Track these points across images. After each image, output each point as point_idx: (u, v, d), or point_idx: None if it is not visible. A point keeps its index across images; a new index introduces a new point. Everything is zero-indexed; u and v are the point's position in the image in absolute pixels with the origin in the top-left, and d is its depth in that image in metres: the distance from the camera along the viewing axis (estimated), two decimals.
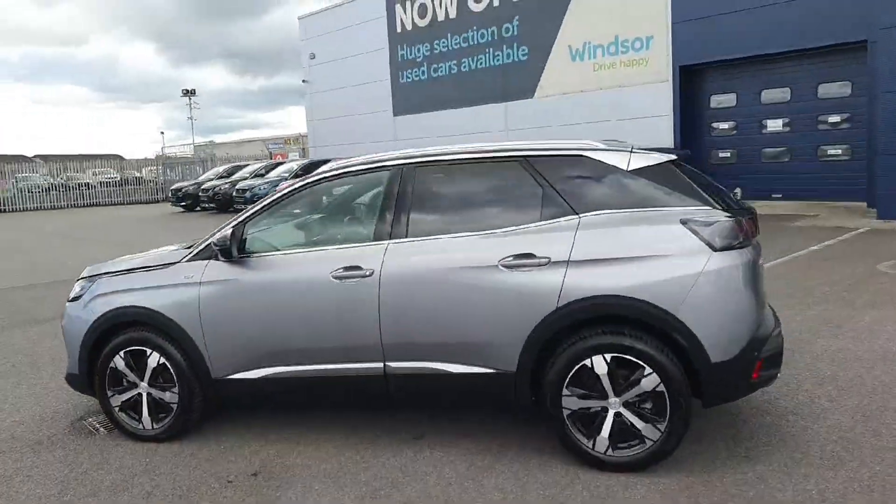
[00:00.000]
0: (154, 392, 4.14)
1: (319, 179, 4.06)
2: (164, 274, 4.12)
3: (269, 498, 3.41)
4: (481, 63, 21.65)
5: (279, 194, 4.10)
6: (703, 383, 3.38)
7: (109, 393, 4.23)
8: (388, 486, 3.45)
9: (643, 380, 3.39)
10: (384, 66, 24.58)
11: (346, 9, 25.75)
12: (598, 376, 3.43)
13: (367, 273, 3.70)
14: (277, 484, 3.55)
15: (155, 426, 4.16)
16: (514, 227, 3.59)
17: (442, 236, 3.71)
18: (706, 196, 3.52)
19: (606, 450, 3.47)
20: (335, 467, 3.70)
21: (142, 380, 4.15)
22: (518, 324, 3.48)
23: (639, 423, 3.43)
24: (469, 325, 3.58)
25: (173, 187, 27.70)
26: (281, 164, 26.31)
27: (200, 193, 24.82)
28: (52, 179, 34.66)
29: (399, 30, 23.94)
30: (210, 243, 3.99)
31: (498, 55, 21.13)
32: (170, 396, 4.11)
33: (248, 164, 28.17)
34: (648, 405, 3.41)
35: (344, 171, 4.05)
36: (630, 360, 3.38)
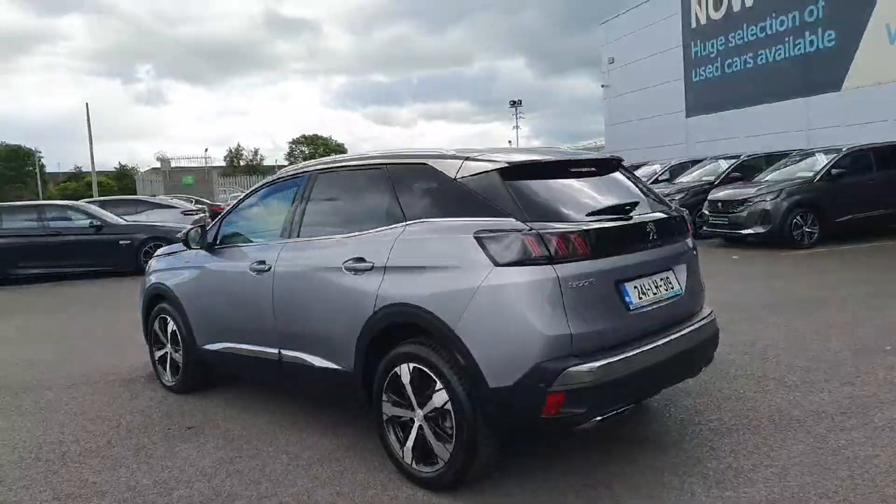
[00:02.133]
0: (172, 352, 5.17)
1: (262, 185, 4.64)
2: (176, 258, 5.12)
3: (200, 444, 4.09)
4: (779, 54, 19.25)
5: (242, 196, 4.78)
6: (482, 408, 3.08)
7: (154, 349, 5.41)
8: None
9: (434, 395, 3.23)
10: (678, 65, 23.37)
11: (643, 9, 25.10)
12: (403, 385, 3.37)
13: (267, 268, 4.16)
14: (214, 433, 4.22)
15: (171, 379, 5.20)
16: (361, 233, 3.69)
17: (317, 238, 3.97)
18: (516, 207, 3.14)
19: (412, 462, 3.38)
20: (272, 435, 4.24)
21: (166, 341, 5.21)
22: (352, 324, 3.58)
23: (433, 441, 3.27)
24: (325, 321, 3.79)
25: None
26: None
27: None
28: None
29: (693, 25, 22.54)
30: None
31: (799, 43, 18.57)
32: (179, 357, 5.09)
33: None
34: (444, 422, 3.23)
35: (276, 177, 4.55)
36: (427, 373, 3.25)
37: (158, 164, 43.72)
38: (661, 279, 3.49)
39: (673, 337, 3.38)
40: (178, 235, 4.91)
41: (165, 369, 5.26)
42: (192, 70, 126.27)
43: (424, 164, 3.54)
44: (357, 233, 3.71)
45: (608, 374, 3.01)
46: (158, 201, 17.98)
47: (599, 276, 3.11)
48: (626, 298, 3.23)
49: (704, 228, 12.69)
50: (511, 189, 3.21)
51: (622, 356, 3.08)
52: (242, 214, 4.78)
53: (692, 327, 3.55)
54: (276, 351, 4.16)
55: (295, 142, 79.86)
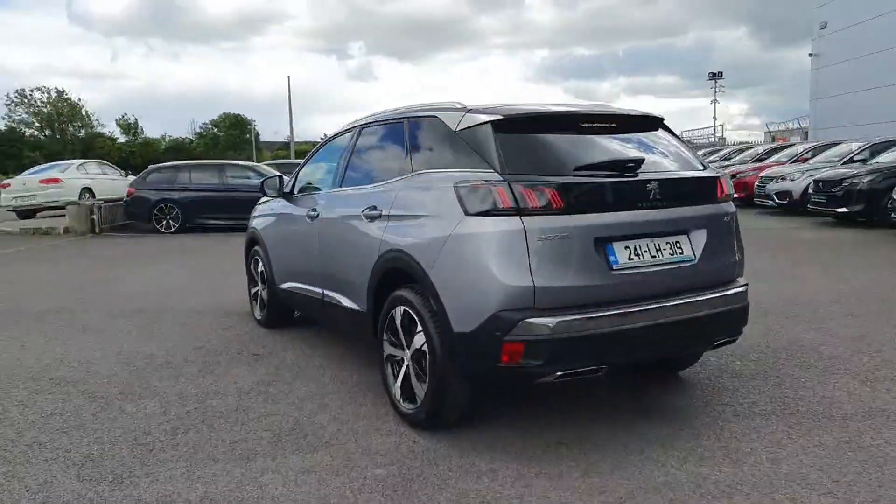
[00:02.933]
0: (261, 290, 5.76)
1: (328, 138, 4.97)
2: (267, 206, 5.67)
3: (253, 368, 4.62)
4: None
5: (315, 149, 5.16)
6: (450, 352, 3.16)
7: (250, 287, 6.05)
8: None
9: (415, 336, 3.37)
10: None
11: None
12: (396, 327, 3.54)
13: (316, 215, 4.51)
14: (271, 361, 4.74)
15: (259, 314, 5.81)
16: (382, 182, 3.88)
17: (352, 187, 4.23)
18: (498, 160, 3.12)
19: (399, 398, 3.55)
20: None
21: (258, 280, 5.81)
22: (365, 267, 3.81)
23: (414, 380, 3.42)
24: (349, 265, 4.07)
25: None
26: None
27: None
28: None
29: None
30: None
31: None
32: (264, 294, 5.66)
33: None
34: (423, 363, 3.35)
35: (337, 132, 4.85)
36: (413, 315, 3.39)
37: None
38: (668, 242, 3.29)
39: (669, 304, 3.19)
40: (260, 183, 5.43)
41: (256, 305, 5.88)
42: (399, 46, 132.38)
43: (434, 116, 3.64)
44: (378, 182, 3.92)
45: (568, 330, 2.95)
46: None
47: (575, 232, 3.03)
48: (611, 258, 3.12)
49: (894, 216, 11.02)
50: (499, 142, 3.21)
51: (587, 315, 2.99)
52: (312, 165, 5.18)
53: (703, 297, 3.31)
54: (320, 291, 4.51)
55: None
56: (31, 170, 18.66)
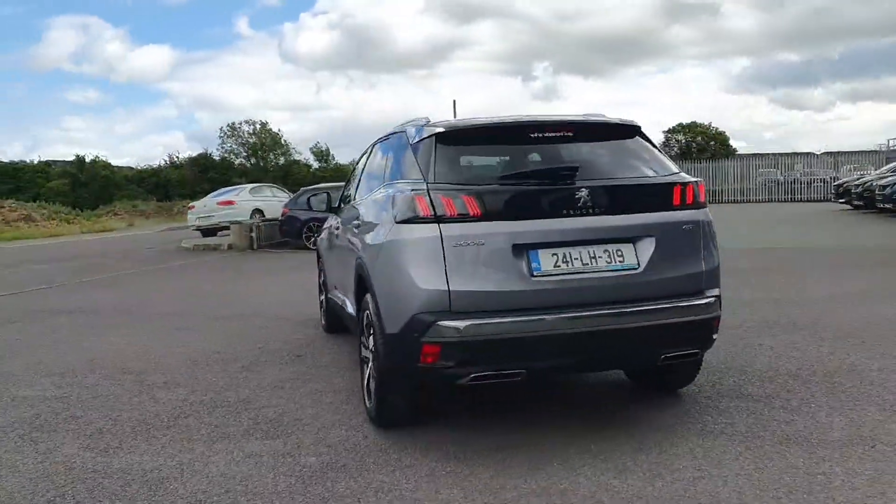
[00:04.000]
0: (322, 298, 6.28)
1: (361, 154, 5.35)
2: (329, 220, 6.19)
3: (286, 368, 5.14)
4: None
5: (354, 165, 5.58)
6: (385, 352, 3.34)
7: (319, 295, 6.60)
8: None
9: (369, 339, 3.60)
10: None
11: None
12: (363, 329, 3.80)
13: (338, 227, 4.92)
14: (306, 362, 5.22)
15: (322, 321, 6.33)
16: (368, 194, 4.18)
17: (358, 199, 4.57)
18: (430, 170, 3.29)
19: (365, 397, 3.80)
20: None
21: (321, 288, 6.34)
22: (351, 273, 4.12)
23: (370, 379, 3.65)
24: (345, 272, 4.40)
25: (836, 182, 26.08)
26: None
27: (853, 189, 22.74)
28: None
29: None
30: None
31: None
32: (323, 302, 6.17)
33: None
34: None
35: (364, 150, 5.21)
36: (371, 319, 3.63)
37: None
38: (607, 251, 3.24)
39: (601, 312, 3.14)
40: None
41: (322, 313, 6.41)
42: (585, 64, 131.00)
43: (403, 130, 3.87)
44: (367, 195, 4.22)
45: (478, 334, 3.03)
46: None
47: (492, 239, 3.11)
48: (534, 264, 3.14)
49: None
50: (438, 153, 3.38)
51: (501, 319, 3.05)
52: (351, 181, 5.59)
53: (647, 307, 3.21)
54: (344, 298, 4.89)
55: (671, 131, 77.60)
56: (212, 193, 21.23)
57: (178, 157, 70.14)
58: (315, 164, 75.64)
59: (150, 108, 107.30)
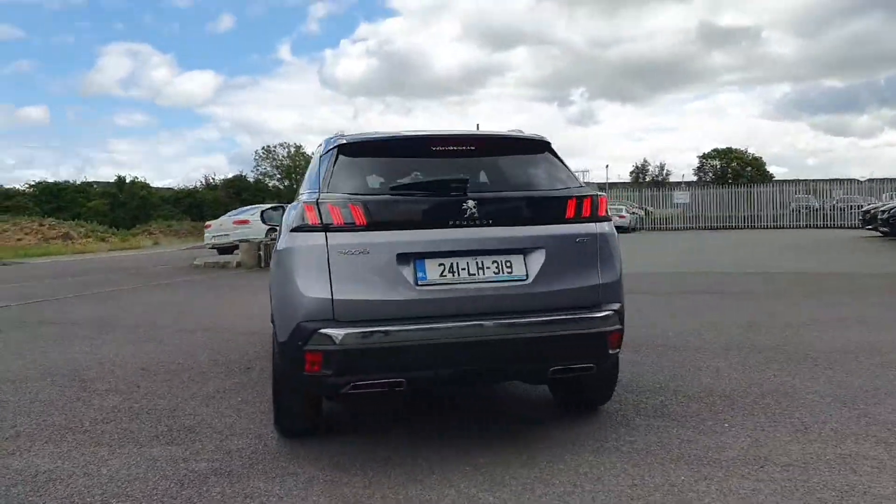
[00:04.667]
0: None
1: None
2: None
3: (230, 378, 5.21)
4: None
5: None
6: (277, 360, 3.38)
7: None
8: None
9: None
10: None
11: None
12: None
13: None
14: (253, 374, 5.29)
15: None
16: None
17: None
18: (327, 181, 3.35)
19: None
20: None
21: None
22: None
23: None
24: None
25: (864, 209, 25.46)
26: None
27: (879, 215, 22.22)
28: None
29: None
30: None
31: None
32: None
33: None
34: None
35: None
36: None
37: None
38: (496, 261, 3.24)
39: (485, 322, 3.13)
40: None
41: None
42: (622, 89, 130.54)
43: (322, 143, 3.94)
44: None
45: (358, 343, 3.04)
46: None
47: (377, 248, 3.13)
48: (419, 274, 3.16)
49: None
50: (337, 164, 3.44)
51: (381, 328, 3.06)
52: None
53: (534, 319, 3.19)
54: None
55: (705, 156, 76.69)
56: (229, 213, 21.66)
57: (213, 179, 71.73)
58: None
59: (194, 131, 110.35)
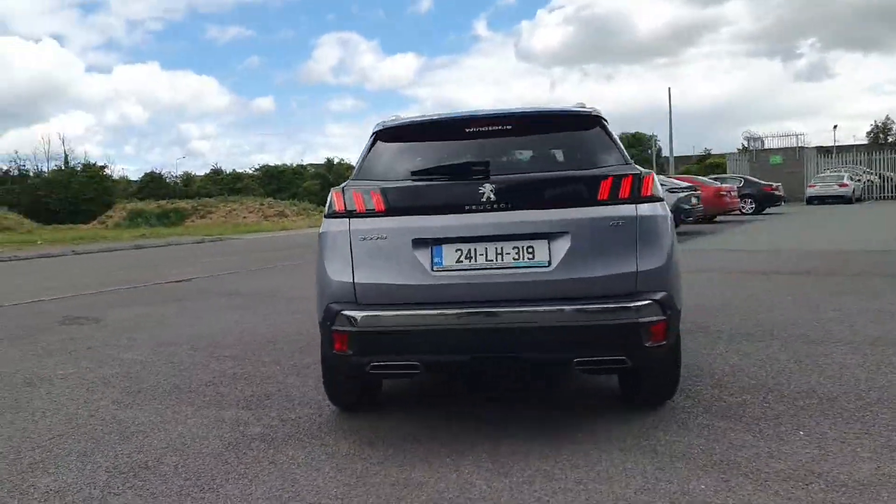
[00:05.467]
0: None
1: None
2: None
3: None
4: None
5: None
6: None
7: None
8: None
9: None
10: None
11: None
12: None
13: None
14: None
15: None
16: None
17: None
18: (360, 167, 3.50)
19: None
20: None
21: None
22: None
23: None
24: None
25: None
26: None
27: None
28: None
29: None
30: None
31: None
32: None
33: None
34: None
35: None
36: None
37: (745, 144, 43.37)
38: (516, 247, 3.15)
39: (503, 309, 3.07)
40: None
41: None
42: (864, 36, 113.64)
43: None
44: None
45: (374, 324, 3.15)
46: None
47: (394, 234, 3.19)
48: (436, 259, 3.17)
49: None
50: (373, 150, 3.55)
51: (398, 311, 3.13)
52: None
53: (555, 307, 3.06)
54: None
55: None
56: None
57: None
58: None
59: (399, 112, 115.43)
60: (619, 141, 3.50)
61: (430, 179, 3.29)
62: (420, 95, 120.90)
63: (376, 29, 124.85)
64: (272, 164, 69.87)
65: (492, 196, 3.16)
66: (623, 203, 3.17)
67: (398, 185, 3.32)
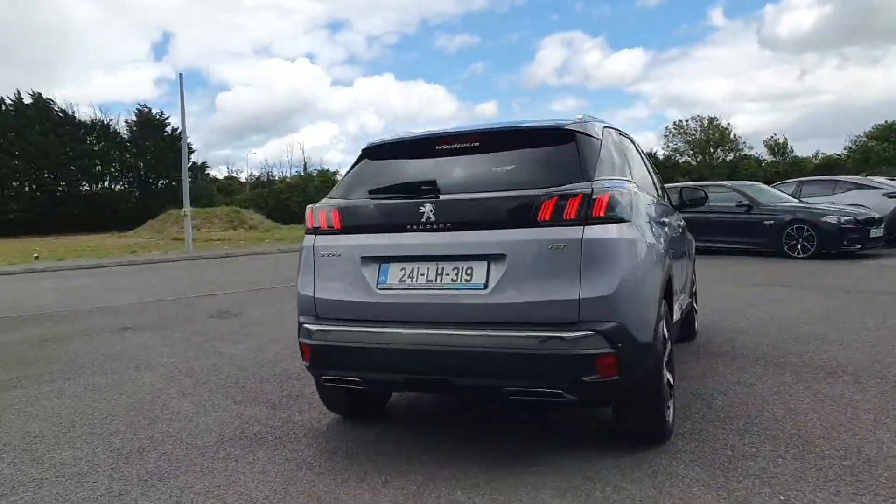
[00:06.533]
0: None
1: None
2: None
3: None
4: None
5: None
6: None
7: None
8: None
9: None
10: None
11: None
12: None
13: None
14: None
15: None
16: None
17: None
18: (339, 185, 3.58)
19: None
20: None
21: None
22: None
23: None
24: None
25: None
26: None
27: None
28: None
29: None
30: None
31: None
32: None
33: None
34: None
35: None
36: None
37: None
38: (456, 268, 3.07)
39: (437, 332, 3.03)
40: None
41: None
42: None
43: None
44: None
45: (324, 339, 3.29)
46: (861, 181, 16.02)
47: (345, 251, 3.29)
48: (381, 277, 3.19)
49: None
50: (356, 168, 3.65)
51: (343, 327, 3.22)
52: None
53: (485, 332, 2.94)
54: None
55: None
56: None
57: None
58: (768, 159, 69.95)
59: (622, 110, 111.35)
60: (596, 156, 3.22)
61: (384, 198, 3.32)
62: (645, 91, 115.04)
63: (601, 26, 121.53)
64: None
65: (431, 216, 3.11)
66: (567, 225, 2.93)
67: (353, 203, 3.40)
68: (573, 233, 2.92)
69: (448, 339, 3.00)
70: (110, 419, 4.19)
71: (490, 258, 3.02)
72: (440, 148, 3.46)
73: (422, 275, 3.13)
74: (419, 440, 3.58)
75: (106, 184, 59.56)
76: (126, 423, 4.09)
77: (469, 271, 3.05)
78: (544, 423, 3.85)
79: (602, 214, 2.94)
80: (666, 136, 73.30)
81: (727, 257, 13.34)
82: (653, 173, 4.76)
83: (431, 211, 3.12)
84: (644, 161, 4.65)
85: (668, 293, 3.59)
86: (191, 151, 53.22)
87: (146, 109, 61.34)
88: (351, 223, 3.35)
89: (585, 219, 2.93)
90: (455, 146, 3.42)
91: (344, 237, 3.34)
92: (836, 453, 3.16)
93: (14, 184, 51.11)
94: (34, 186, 50.57)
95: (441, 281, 3.09)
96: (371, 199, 3.37)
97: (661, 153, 70.87)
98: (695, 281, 6.14)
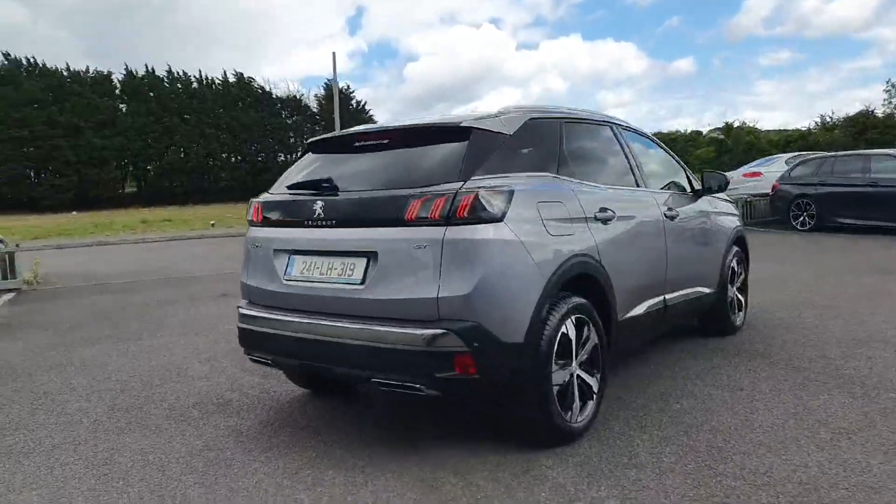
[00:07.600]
0: None
1: None
2: None
3: None
4: None
5: None
6: None
7: None
8: None
9: None
10: None
11: None
12: None
13: None
14: None
15: None
16: None
17: None
18: (280, 180, 3.82)
19: None
20: None
21: None
22: None
23: None
24: None
25: None
26: None
27: None
28: None
29: None
30: None
31: None
32: None
33: None
34: None
35: None
36: None
37: None
38: (343, 263, 3.24)
39: (321, 322, 3.24)
40: None
41: None
42: None
43: None
44: None
45: (245, 323, 3.62)
46: None
47: (263, 243, 3.59)
48: (289, 269, 3.44)
49: None
50: (297, 162, 3.90)
51: (255, 312, 3.53)
52: None
53: (356, 325, 3.11)
54: None
55: None
56: (750, 164, 20.08)
57: (831, 118, 65.04)
58: None
59: (848, 61, 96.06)
60: (489, 153, 3.18)
61: (294, 194, 3.54)
62: (882, 37, 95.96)
63: None
64: (681, 129, 67.28)
65: (321, 213, 3.29)
66: (431, 225, 2.97)
67: (271, 198, 3.67)
68: (435, 233, 2.96)
69: (329, 329, 3.20)
70: (101, 392, 4.56)
71: (369, 255, 3.14)
72: (358, 145, 3.60)
73: (317, 268, 3.34)
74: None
75: (299, 154, 64.60)
76: (120, 392, 4.55)
77: (352, 267, 3.20)
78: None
79: (465, 215, 2.94)
80: (887, 91, 63.89)
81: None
82: (639, 164, 4.43)
83: (321, 208, 3.31)
84: (626, 150, 4.35)
85: (590, 291, 3.45)
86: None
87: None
88: (268, 216, 3.64)
89: (447, 219, 2.95)
90: (370, 143, 3.54)
91: (264, 230, 3.64)
92: None
93: (224, 155, 57.27)
94: (238, 157, 56.35)
95: (330, 275, 3.28)
96: (288, 194, 3.60)
97: (879, 111, 62.05)
98: (740, 273, 5.63)
